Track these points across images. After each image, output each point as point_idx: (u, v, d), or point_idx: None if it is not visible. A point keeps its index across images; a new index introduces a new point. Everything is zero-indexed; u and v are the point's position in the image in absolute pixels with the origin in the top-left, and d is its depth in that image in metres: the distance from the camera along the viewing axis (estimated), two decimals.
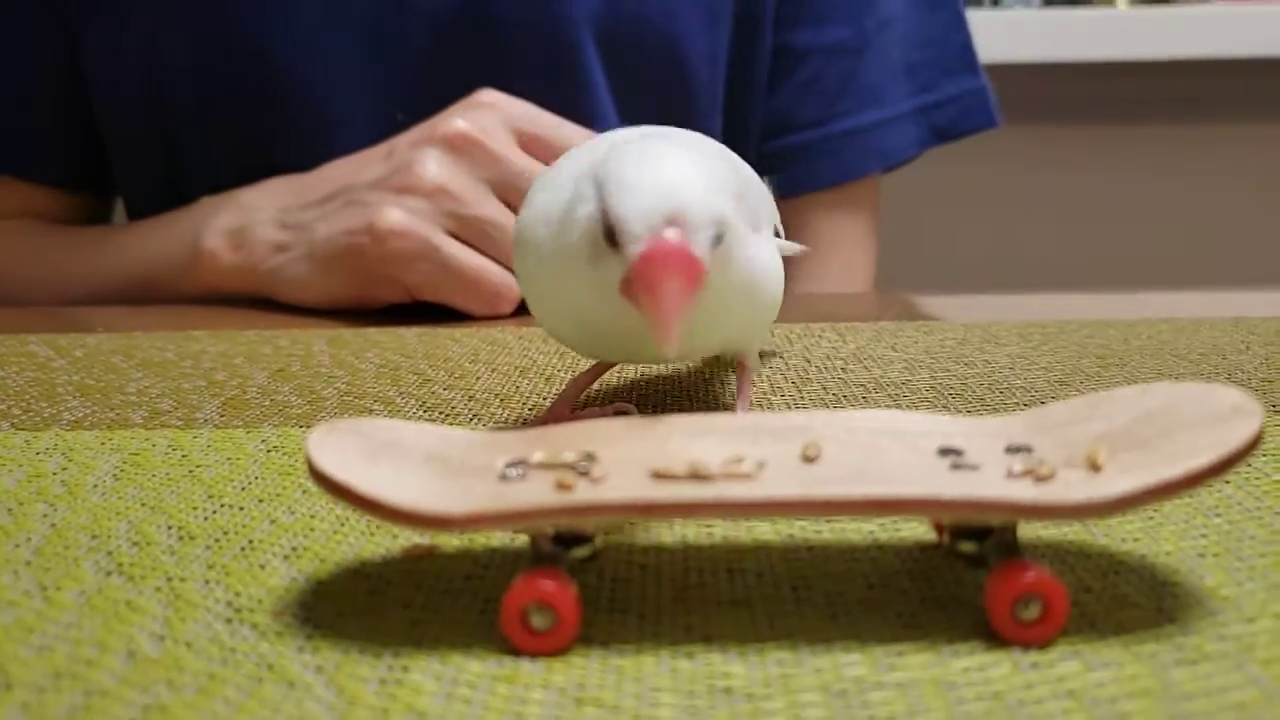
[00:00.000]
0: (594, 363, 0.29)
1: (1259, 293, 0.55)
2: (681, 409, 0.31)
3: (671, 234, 0.20)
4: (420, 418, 0.30)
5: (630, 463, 0.18)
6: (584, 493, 0.17)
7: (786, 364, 0.35)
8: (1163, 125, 1.09)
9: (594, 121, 0.53)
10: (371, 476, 0.17)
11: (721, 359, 0.36)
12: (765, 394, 0.32)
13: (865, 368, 0.35)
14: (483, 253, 0.44)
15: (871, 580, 0.19)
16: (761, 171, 0.60)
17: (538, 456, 0.18)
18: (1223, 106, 1.09)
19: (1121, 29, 1.05)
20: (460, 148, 0.44)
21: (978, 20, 0.64)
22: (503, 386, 0.33)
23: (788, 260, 0.55)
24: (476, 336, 0.41)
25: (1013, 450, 0.18)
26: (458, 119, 0.45)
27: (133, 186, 0.59)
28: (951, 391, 0.31)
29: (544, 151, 0.45)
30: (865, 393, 0.32)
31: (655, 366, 0.36)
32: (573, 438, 0.19)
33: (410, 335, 0.41)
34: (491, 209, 0.44)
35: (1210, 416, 0.17)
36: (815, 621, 0.17)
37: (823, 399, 0.31)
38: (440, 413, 0.30)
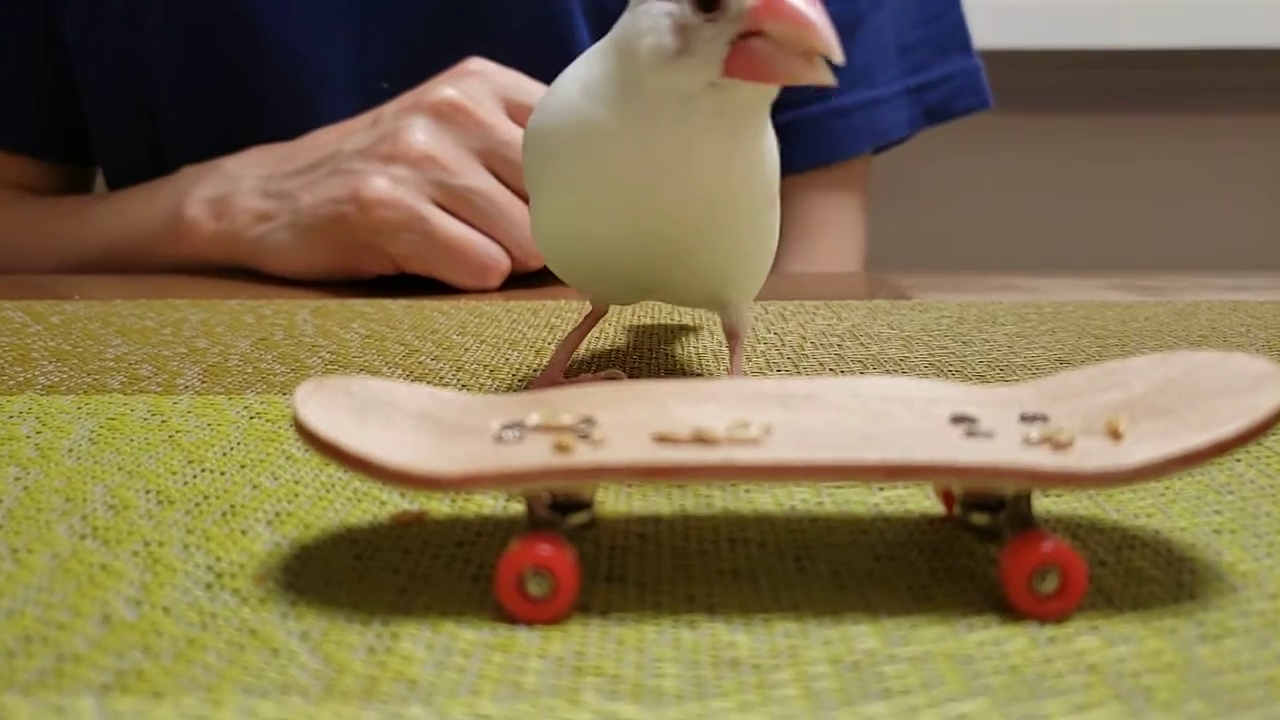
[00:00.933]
0: (581, 319, 0.28)
1: (1251, 276, 0.54)
2: (668, 374, 0.30)
3: None
4: None
5: (631, 426, 0.17)
6: (584, 455, 0.16)
7: (782, 340, 0.35)
8: (1154, 114, 1.09)
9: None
10: (361, 435, 0.16)
11: (701, 323, 0.35)
12: (761, 369, 0.31)
13: (862, 344, 0.34)
14: (470, 223, 0.44)
15: (879, 552, 0.18)
16: None
17: (534, 419, 0.18)
18: (1213, 96, 1.09)
19: (1111, 17, 1.05)
20: (448, 116, 0.43)
21: (968, 6, 0.63)
22: (491, 358, 0.32)
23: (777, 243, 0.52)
24: (464, 309, 0.40)
25: (1028, 419, 0.18)
26: (446, 87, 0.44)
27: (113, 156, 0.57)
28: (951, 369, 0.31)
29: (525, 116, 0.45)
30: (863, 369, 0.31)
31: (640, 331, 0.35)
32: (570, 401, 0.19)
33: (396, 307, 0.40)
34: (480, 179, 0.43)
35: (1233, 384, 0.17)
36: (821, 593, 0.17)
37: (819, 375, 0.30)
38: (427, 383, 0.30)
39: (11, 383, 0.29)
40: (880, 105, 0.60)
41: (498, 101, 0.44)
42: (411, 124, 0.43)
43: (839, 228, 0.61)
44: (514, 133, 0.44)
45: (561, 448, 0.16)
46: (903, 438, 0.17)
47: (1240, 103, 1.09)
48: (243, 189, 0.47)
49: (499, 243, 0.44)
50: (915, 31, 0.61)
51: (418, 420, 0.18)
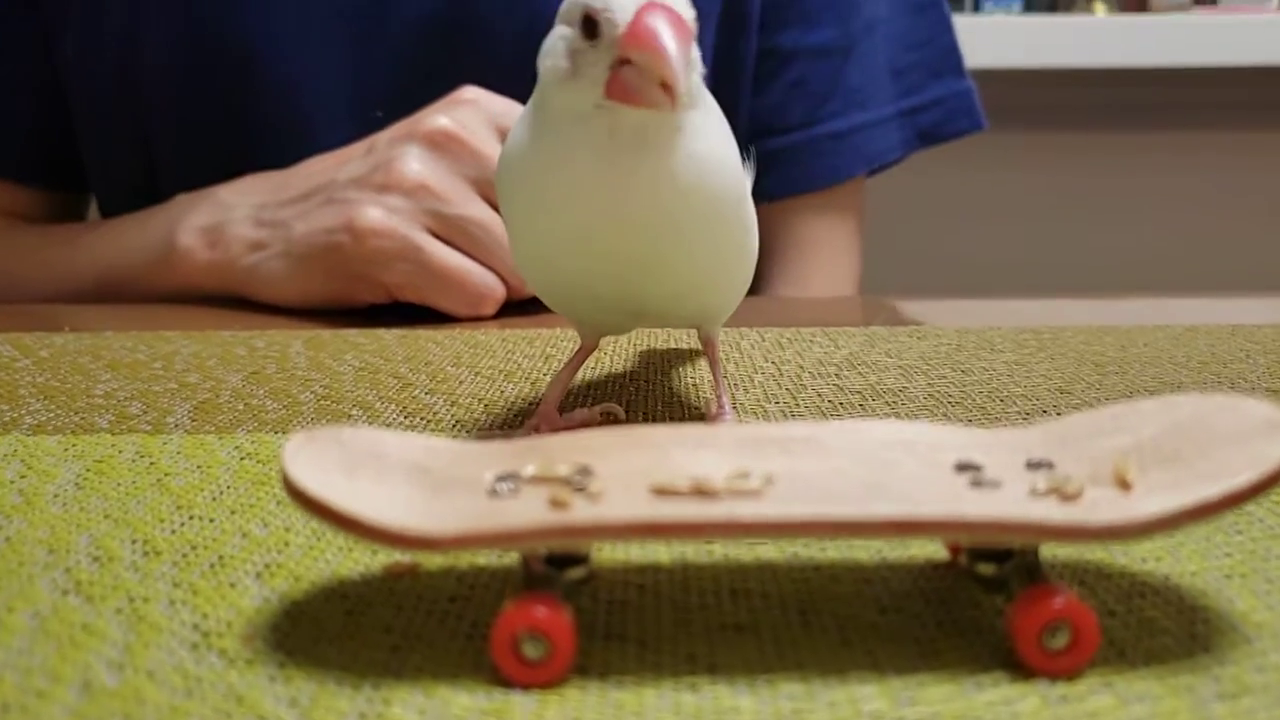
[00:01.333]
0: (573, 353, 0.28)
1: (1248, 299, 0.54)
2: (663, 404, 0.30)
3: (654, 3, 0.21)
4: (401, 424, 0.29)
5: (629, 476, 0.17)
6: (582, 511, 0.16)
7: (779, 370, 0.34)
8: (1142, 132, 1.09)
9: None
10: (350, 491, 0.16)
11: (690, 352, 0.35)
12: (760, 401, 0.31)
13: (860, 374, 0.34)
14: (465, 252, 0.43)
15: (884, 603, 0.18)
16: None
17: (530, 470, 0.17)
18: (1201, 114, 1.09)
19: (1101, 36, 1.05)
20: (442, 145, 0.43)
21: (958, 26, 0.63)
22: (486, 391, 0.32)
23: (772, 261, 0.54)
24: (458, 339, 0.39)
25: (1034, 466, 0.17)
26: (440, 116, 0.44)
27: (107, 183, 0.57)
28: (950, 399, 0.31)
29: None
30: (862, 400, 0.31)
31: (633, 361, 0.35)
32: (566, 449, 0.18)
33: (390, 337, 0.40)
34: (474, 208, 0.43)
35: (1244, 431, 0.16)
36: (826, 650, 0.16)
37: (819, 407, 0.30)
38: (421, 418, 0.29)
39: None
40: (873, 128, 0.60)
41: (491, 130, 0.44)
42: (405, 153, 0.43)
43: (834, 250, 0.61)
44: None
45: (557, 503, 0.16)
46: (908, 488, 0.16)
47: (1241, 120, 1.10)
48: (236, 218, 0.46)
49: (494, 270, 0.43)
50: (908, 55, 0.61)
51: (409, 472, 0.17)
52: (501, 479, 0.17)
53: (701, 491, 0.16)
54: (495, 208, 0.44)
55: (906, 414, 0.29)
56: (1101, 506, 0.16)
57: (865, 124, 0.60)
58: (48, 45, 0.54)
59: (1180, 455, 0.17)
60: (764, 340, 0.39)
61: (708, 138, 0.23)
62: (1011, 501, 0.16)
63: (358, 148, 0.46)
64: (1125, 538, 0.15)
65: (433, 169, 0.43)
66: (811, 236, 0.60)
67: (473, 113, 0.44)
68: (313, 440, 0.17)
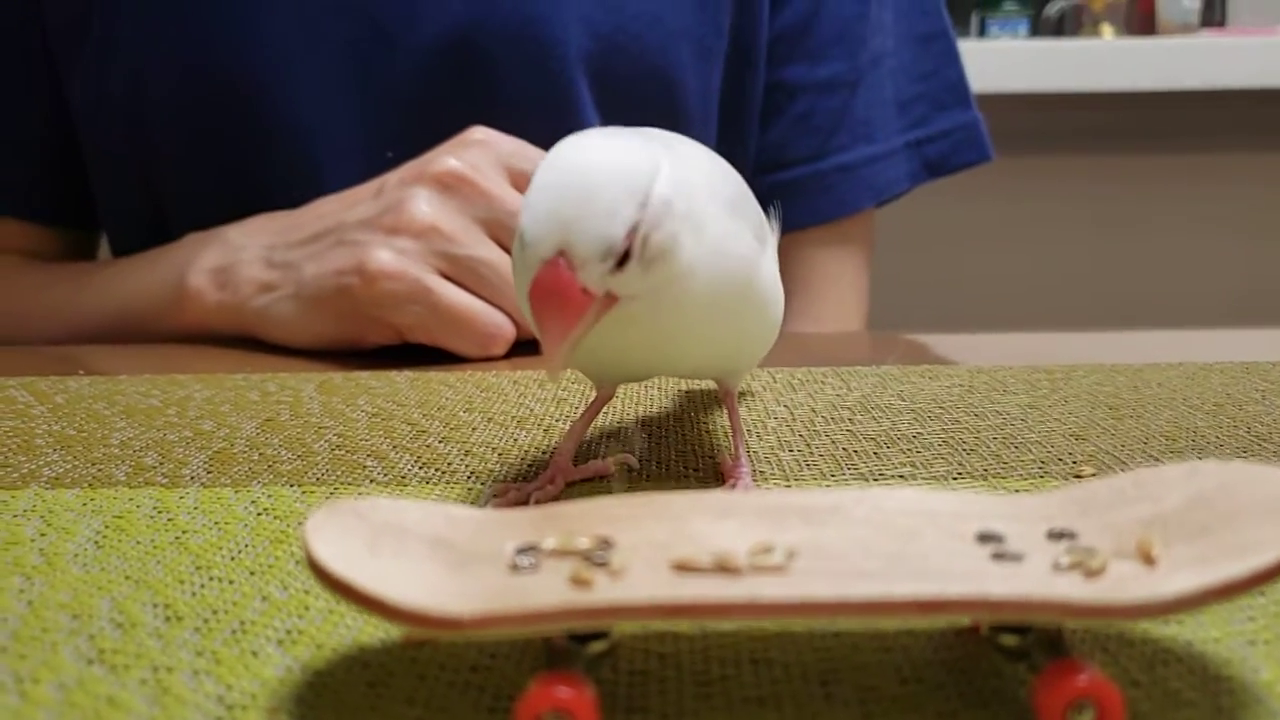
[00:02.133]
0: (589, 403, 0.28)
1: (1259, 330, 0.54)
2: (677, 453, 0.30)
3: (555, 268, 0.20)
4: (417, 474, 0.29)
5: (649, 550, 0.17)
6: (603, 591, 0.16)
7: (792, 414, 0.34)
8: (1151, 155, 1.09)
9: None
10: (374, 570, 0.16)
11: (706, 394, 0.35)
12: (774, 449, 0.31)
13: (874, 418, 0.34)
14: (475, 292, 0.43)
15: (905, 673, 0.18)
16: None
17: (550, 543, 0.17)
18: (1211, 137, 1.09)
19: (1108, 60, 1.05)
20: (451, 186, 0.43)
21: (965, 50, 0.63)
22: (499, 439, 0.32)
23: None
24: (470, 381, 0.39)
25: (1055, 536, 0.17)
26: (449, 157, 0.44)
27: (117, 221, 0.58)
28: (965, 446, 0.30)
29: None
30: (877, 447, 0.31)
31: (649, 409, 0.35)
32: (585, 519, 0.18)
33: (402, 380, 0.40)
34: (484, 249, 0.43)
35: (1269, 503, 0.16)
36: None
37: (833, 455, 0.30)
38: (437, 469, 0.29)
39: (16, 475, 0.29)
40: (881, 160, 0.60)
41: (501, 170, 0.44)
42: (415, 195, 0.43)
43: (843, 283, 0.61)
44: (517, 201, 0.44)
45: (579, 581, 0.16)
46: (931, 562, 0.16)
47: (1252, 142, 1.10)
48: (246, 259, 0.47)
49: (503, 309, 0.44)
50: (914, 87, 0.62)
51: (432, 547, 0.17)
52: (522, 551, 0.17)
53: (724, 568, 0.16)
54: (505, 248, 0.44)
55: (922, 461, 0.29)
56: (1127, 584, 0.16)
57: (873, 156, 0.61)
58: (58, 84, 0.55)
59: (1205, 529, 0.17)
60: (775, 381, 0.39)
61: (701, 243, 0.23)
62: (1035, 578, 0.16)
63: (367, 189, 0.46)
64: (1150, 616, 0.15)
65: (442, 211, 0.43)
66: (820, 270, 0.61)
67: (482, 153, 0.44)
68: (334, 514, 0.17)
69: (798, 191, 0.60)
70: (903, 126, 0.61)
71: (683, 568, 0.16)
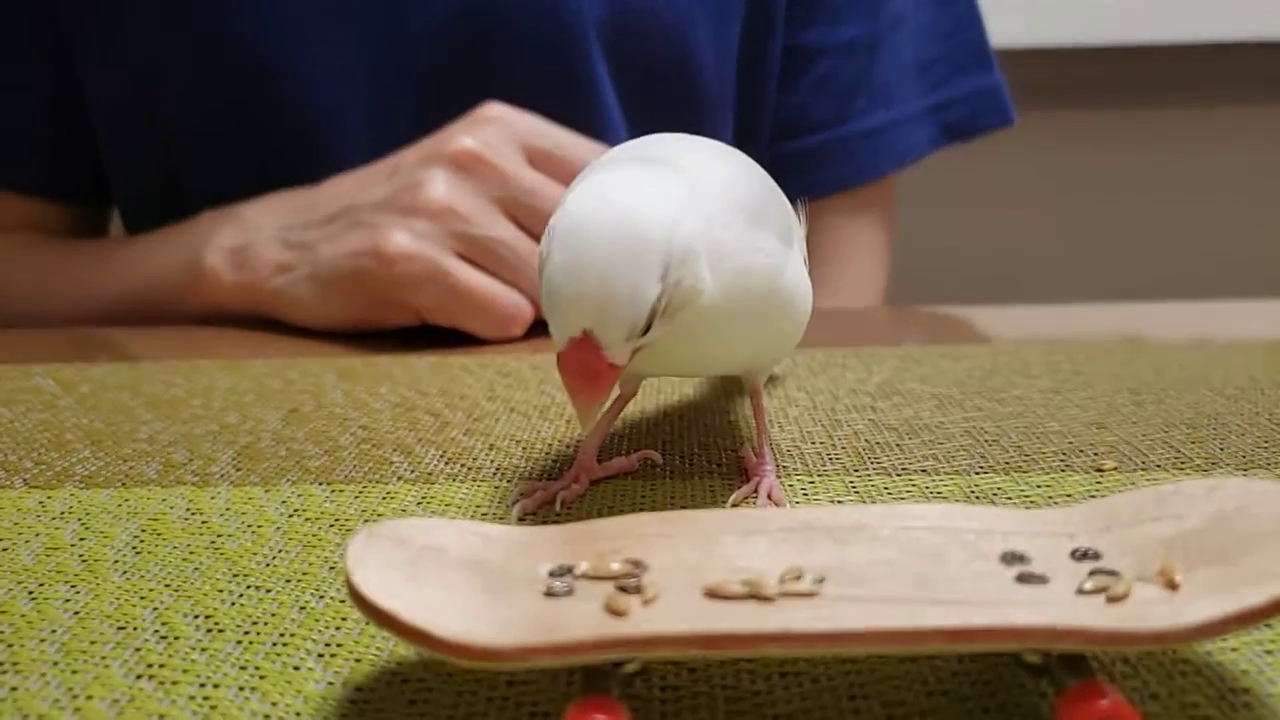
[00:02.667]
0: (612, 400, 0.28)
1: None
2: (699, 447, 0.30)
3: (584, 347, 0.21)
4: (443, 471, 0.29)
5: (681, 574, 0.17)
6: (638, 620, 0.16)
7: (814, 401, 0.35)
8: (1175, 109, 1.08)
9: (601, 127, 0.52)
10: (415, 600, 0.16)
11: (730, 383, 0.35)
12: (796, 441, 0.31)
13: (895, 406, 0.34)
14: (493, 273, 0.44)
15: (931, 685, 0.18)
16: (774, 175, 0.60)
17: (583, 566, 0.18)
18: (1238, 89, 1.07)
19: (1126, 11, 1.03)
20: (467, 166, 0.43)
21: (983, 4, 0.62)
22: (523, 431, 0.32)
23: None
24: (491, 367, 0.40)
25: (1079, 556, 0.18)
26: (465, 136, 0.44)
27: (130, 198, 0.58)
28: (987, 437, 0.31)
29: (554, 167, 0.44)
30: (899, 438, 0.31)
31: (672, 401, 0.35)
32: (616, 539, 0.19)
33: (423, 366, 0.40)
34: (501, 229, 0.43)
35: None
36: None
37: (855, 446, 0.30)
38: (462, 464, 0.30)
39: (50, 473, 0.30)
40: (902, 126, 0.60)
41: (517, 148, 0.44)
42: (431, 175, 0.43)
43: (864, 250, 0.61)
44: (535, 181, 0.44)
45: (614, 611, 0.16)
46: (957, 587, 0.17)
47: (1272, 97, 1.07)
48: (262, 239, 0.47)
49: (522, 290, 0.44)
50: (934, 48, 0.61)
51: (468, 572, 0.18)
52: (555, 574, 0.18)
53: (756, 595, 0.16)
54: (522, 227, 0.44)
55: (945, 454, 0.29)
56: (1150, 610, 0.16)
57: (893, 121, 0.60)
58: (68, 56, 0.54)
59: (1225, 553, 0.17)
60: (796, 365, 0.39)
61: (722, 270, 0.23)
62: (1060, 604, 0.16)
63: (383, 168, 0.46)
64: (1173, 642, 0.15)
65: (458, 191, 0.43)
66: (841, 237, 0.60)
67: (498, 131, 0.44)
68: (373, 541, 0.18)
69: (817, 158, 0.59)
70: (923, 90, 0.61)
71: (715, 595, 0.17)
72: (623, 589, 0.17)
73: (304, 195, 0.48)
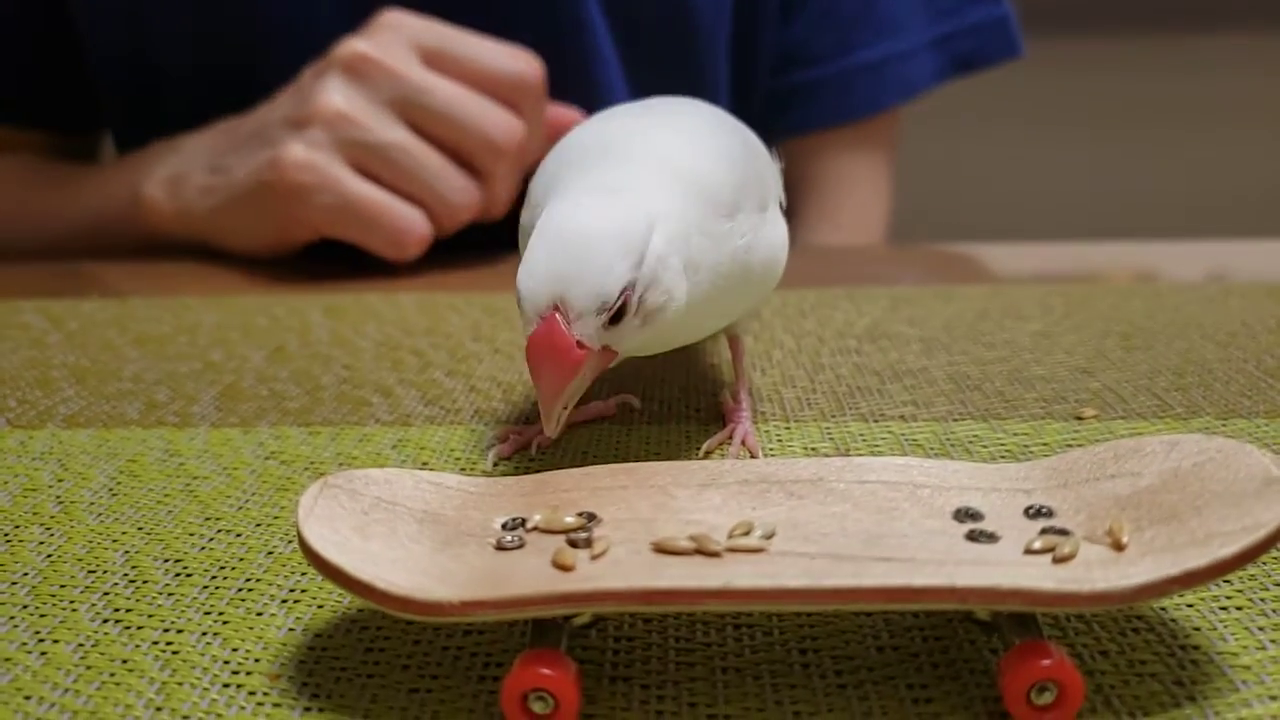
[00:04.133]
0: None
1: None
2: (679, 390, 0.30)
3: (552, 323, 0.20)
4: (421, 413, 0.29)
5: (632, 527, 0.18)
6: (583, 576, 0.16)
7: (799, 344, 0.34)
8: (1192, 36, 1.05)
9: (595, 70, 0.51)
10: (363, 553, 0.17)
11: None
12: (776, 385, 0.31)
13: (880, 349, 0.34)
14: (390, 183, 0.43)
15: (882, 640, 0.18)
16: (775, 109, 0.58)
17: (536, 519, 0.18)
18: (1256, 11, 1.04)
19: None
20: (359, 70, 0.43)
21: None
22: (504, 373, 0.32)
23: (802, 197, 0.51)
24: (477, 305, 0.40)
25: (1032, 514, 0.18)
26: (356, 41, 0.43)
27: (119, 125, 0.57)
28: (969, 382, 0.31)
29: (452, 68, 0.43)
30: (881, 382, 0.31)
31: None
32: (573, 492, 0.19)
33: (409, 303, 0.40)
34: (394, 133, 0.42)
35: (1241, 489, 0.17)
36: (823, 694, 0.17)
37: (835, 390, 0.30)
38: (441, 407, 0.30)
39: (34, 412, 0.30)
40: (906, 58, 0.58)
41: (411, 50, 0.43)
42: (324, 84, 0.43)
43: (866, 185, 0.60)
44: (427, 80, 0.43)
45: (560, 565, 0.16)
46: (906, 545, 0.17)
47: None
48: (194, 166, 0.47)
49: (422, 202, 0.43)
50: None
51: (420, 524, 0.18)
52: (508, 526, 0.18)
53: (702, 550, 0.17)
54: (419, 129, 0.43)
55: (924, 400, 0.29)
56: (1094, 570, 0.16)
57: (898, 53, 0.58)
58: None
59: (1175, 512, 0.17)
60: (786, 306, 0.39)
61: (698, 274, 0.23)
62: (1005, 565, 0.16)
63: (292, 84, 0.46)
64: (1112, 604, 0.15)
65: (349, 97, 0.42)
66: (842, 171, 0.59)
67: (392, 35, 0.43)
68: (326, 491, 0.18)
69: (819, 91, 0.58)
70: (928, 20, 0.59)
71: (662, 550, 0.17)
72: (573, 543, 0.17)
73: (232, 122, 0.47)
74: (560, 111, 0.46)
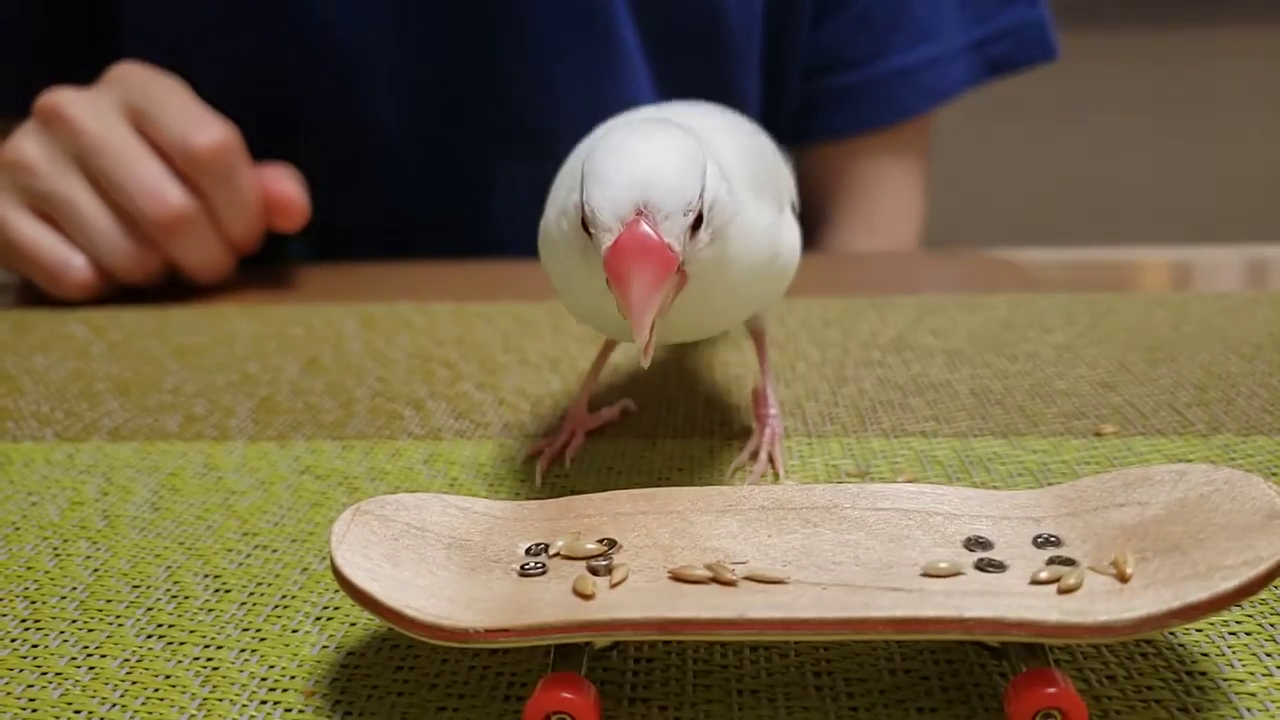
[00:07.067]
0: (599, 351, 0.29)
1: None
2: (704, 400, 0.31)
3: (640, 225, 0.20)
4: (451, 428, 0.30)
5: (650, 554, 0.18)
6: (602, 605, 0.17)
7: (823, 356, 0.35)
8: (1229, 28, 1.03)
9: (624, 71, 0.52)
10: (393, 580, 0.17)
11: (734, 339, 0.36)
12: (800, 399, 0.31)
13: (904, 362, 0.34)
14: (63, 229, 0.44)
15: (895, 663, 0.19)
16: (808, 113, 0.58)
17: (559, 545, 0.18)
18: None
19: None
20: (46, 120, 0.44)
21: None
22: (532, 384, 0.33)
23: (835, 203, 0.50)
24: (507, 314, 0.40)
25: (1040, 543, 0.18)
26: (58, 93, 0.44)
27: None
28: (992, 398, 0.31)
29: (149, 131, 0.44)
30: (903, 397, 0.31)
31: (675, 359, 0.35)
32: (595, 517, 0.19)
33: (443, 312, 0.41)
34: (64, 184, 0.44)
35: (1245, 522, 0.17)
36: (836, 715, 0.18)
37: (858, 405, 0.31)
38: (471, 420, 0.30)
39: (80, 425, 0.31)
40: (941, 62, 0.58)
41: (118, 108, 0.44)
42: (21, 130, 0.45)
43: (901, 190, 0.60)
44: (101, 141, 0.43)
45: (581, 594, 0.17)
46: (916, 575, 0.17)
47: None
48: None
49: (85, 252, 0.44)
50: None
51: (447, 550, 0.18)
52: (532, 553, 0.18)
53: (718, 579, 0.17)
54: (98, 184, 0.44)
55: (945, 415, 0.30)
56: (1097, 602, 0.16)
57: (933, 58, 0.58)
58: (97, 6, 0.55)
59: (1179, 544, 0.17)
60: (811, 315, 0.39)
61: (739, 226, 0.23)
62: (1011, 595, 0.17)
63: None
64: (1114, 636, 0.16)
65: (32, 145, 0.44)
66: (876, 176, 0.59)
67: (105, 91, 0.44)
68: (358, 518, 0.18)
69: (854, 96, 0.58)
70: (963, 23, 0.59)
71: (679, 578, 0.17)
72: (593, 570, 0.18)
73: None
74: (274, 180, 0.46)
